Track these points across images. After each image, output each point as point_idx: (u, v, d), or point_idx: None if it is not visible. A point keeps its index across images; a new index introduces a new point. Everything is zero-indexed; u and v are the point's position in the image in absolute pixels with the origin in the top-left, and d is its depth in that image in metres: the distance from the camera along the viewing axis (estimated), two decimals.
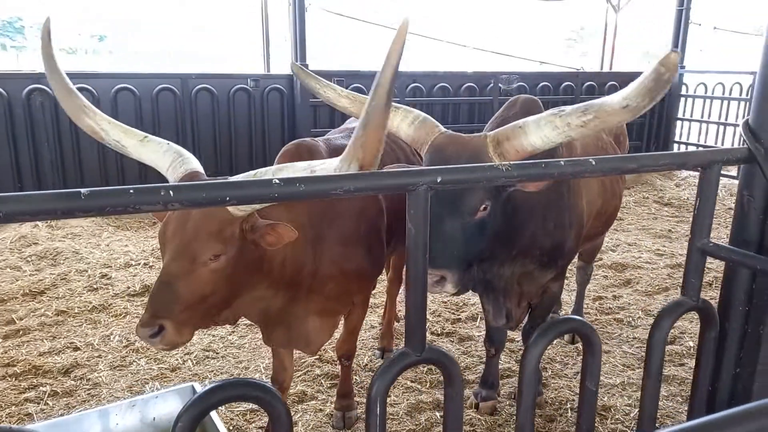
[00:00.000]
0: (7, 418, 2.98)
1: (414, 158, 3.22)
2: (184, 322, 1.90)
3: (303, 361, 3.58)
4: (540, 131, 1.93)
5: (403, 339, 1.52)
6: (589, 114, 1.78)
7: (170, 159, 1.93)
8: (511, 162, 1.45)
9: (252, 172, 1.86)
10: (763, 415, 0.74)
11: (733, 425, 0.73)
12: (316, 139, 2.71)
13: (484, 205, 2.19)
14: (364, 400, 1.52)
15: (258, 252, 2.02)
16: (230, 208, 1.87)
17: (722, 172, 7.70)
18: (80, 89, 6.14)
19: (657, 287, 4.89)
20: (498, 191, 2.23)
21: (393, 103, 2.32)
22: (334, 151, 2.56)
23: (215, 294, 1.97)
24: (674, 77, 1.62)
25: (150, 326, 1.84)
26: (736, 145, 6.96)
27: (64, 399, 3.19)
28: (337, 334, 3.08)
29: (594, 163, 1.54)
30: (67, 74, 6.49)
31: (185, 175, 1.93)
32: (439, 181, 1.37)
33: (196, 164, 1.98)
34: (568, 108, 1.86)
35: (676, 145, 9.50)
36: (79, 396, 3.22)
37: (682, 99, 9.33)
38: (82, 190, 1.06)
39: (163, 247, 1.92)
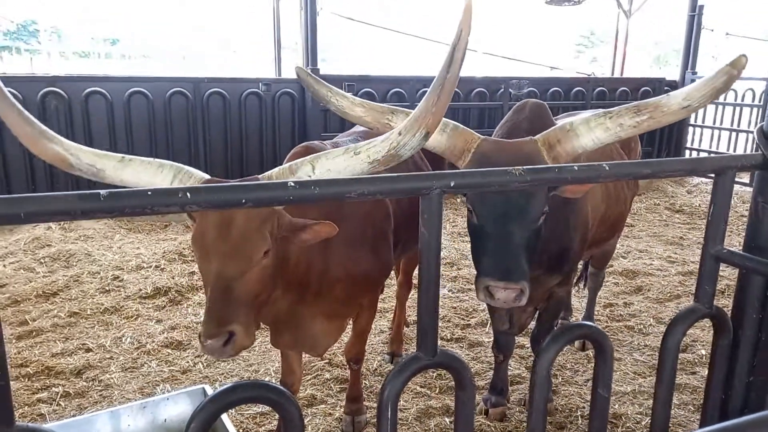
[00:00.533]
0: (20, 418, 3.00)
1: (422, 163, 3.22)
2: (249, 323, 1.90)
3: (313, 365, 3.59)
4: (591, 133, 1.93)
5: (413, 344, 1.52)
6: (644, 114, 1.79)
7: (171, 175, 1.79)
8: (525, 167, 1.46)
9: (286, 165, 1.80)
10: None
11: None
12: (324, 142, 2.73)
13: (545, 210, 2.15)
14: (374, 405, 1.53)
15: (282, 249, 2.04)
16: None
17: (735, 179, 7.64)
18: (94, 93, 6.23)
19: (668, 294, 4.86)
20: (548, 197, 2.18)
21: (406, 110, 2.31)
22: (335, 146, 2.57)
23: (264, 291, 1.99)
24: (736, 78, 1.66)
25: (220, 336, 1.79)
26: (748, 152, 6.91)
27: (76, 400, 3.21)
28: (346, 337, 3.08)
29: (608, 168, 1.54)
30: (80, 78, 6.50)
31: (203, 182, 1.87)
32: (452, 185, 1.37)
33: (203, 174, 1.90)
34: (617, 109, 1.87)
35: (687, 152, 9.45)
36: (90, 397, 3.25)
37: None
38: (102, 192, 1.07)
39: (206, 253, 1.85)
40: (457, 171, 1.43)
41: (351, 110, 2.27)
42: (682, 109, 1.71)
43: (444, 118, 2.19)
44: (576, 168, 1.52)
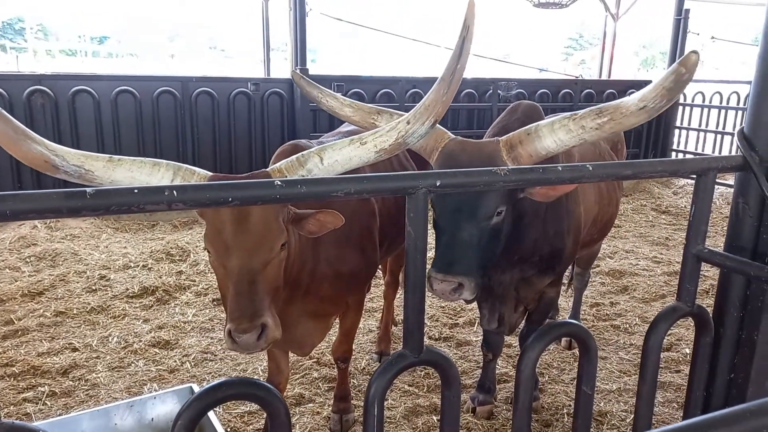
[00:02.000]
0: (5, 417, 2.97)
1: (407, 162, 3.24)
2: (274, 314, 1.90)
3: (301, 364, 3.59)
4: (554, 135, 1.94)
5: (401, 343, 1.54)
6: (604, 116, 1.81)
7: (170, 174, 1.72)
8: (510, 167, 1.47)
9: (294, 158, 1.78)
10: (753, 416, 0.76)
11: (724, 425, 0.75)
12: (311, 141, 2.74)
13: (499, 210, 2.19)
14: (362, 404, 1.55)
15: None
16: None
17: (719, 180, 7.73)
18: (81, 92, 6.18)
19: (654, 294, 4.91)
20: (510, 197, 2.23)
21: (396, 111, 2.40)
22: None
23: (281, 284, 2.00)
24: (690, 78, 1.66)
25: (254, 329, 1.78)
26: (733, 153, 6.99)
27: (63, 399, 3.19)
28: (334, 336, 3.09)
29: (591, 168, 1.57)
30: (67, 76, 6.48)
31: (208, 179, 1.82)
32: (438, 184, 1.39)
33: (205, 172, 1.85)
34: (582, 111, 1.88)
35: (674, 153, 9.55)
36: (77, 396, 3.23)
37: (680, 108, 9.39)
38: (88, 189, 1.08)
39: (225, 249, 1.83)
40: (441, 171, 1.44)
41: (340, 110, 2.40)
42: (640, 110, 1.73)
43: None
44: (560, 168, 1.54)
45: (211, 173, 1.81)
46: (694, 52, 1.61)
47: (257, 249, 1.83)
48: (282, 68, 8.29)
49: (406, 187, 1.37)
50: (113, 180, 1.64)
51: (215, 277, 2.05)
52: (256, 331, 1.79)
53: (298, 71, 2.59)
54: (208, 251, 1.91)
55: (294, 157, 1.78)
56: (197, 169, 1.78)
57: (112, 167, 1.62)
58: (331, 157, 1.71)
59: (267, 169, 1.86)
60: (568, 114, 1.93)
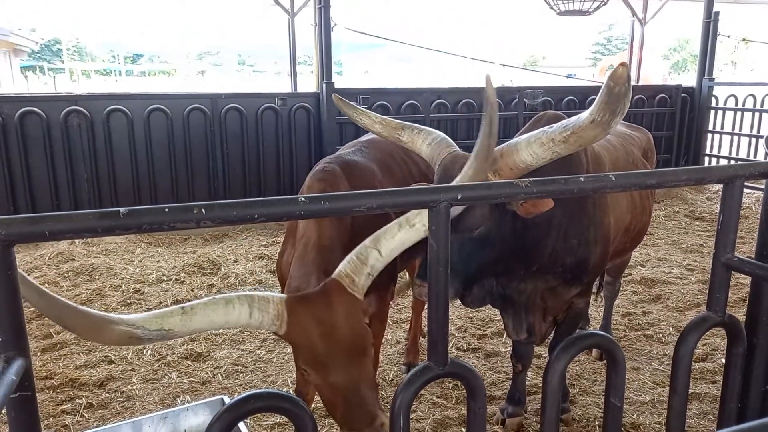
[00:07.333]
0: (45, 429, 3.08)
1: (429, 171, 3.28)
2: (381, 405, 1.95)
3: None
4: (530, 148, 2.02)
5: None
6: (568, 130, 1.90)
7: (246, 307, 1.66)
8: (531, 179, 1.48)
9: (353, 256, 1.81)
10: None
11: None
12: (330, 160, 2.75)
13: (481, 225, 2.25)
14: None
15: None
16: None
17: (757, 185, 7.52)
18: (115, 111, 6.38)
19: (688, 303, 4.80)
20: (499, 210, 2.28)
21: (417, 125, 2.55)
22: (346, 164, 2.70)
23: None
24: (626, 89, 1.70)
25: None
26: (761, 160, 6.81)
27: (99, 411, 3.28)
28: None
29: (614, 178, 1.56)
30: (102, 96, 6.65)
31: (286, 301, 1.81)
32: (459, 198, 1.41)
33: (280, 295, 1.80)
34: (555, 125, 1.96)
35: (707, 159, 9.34)
36: (113, 408, 3.31)
37: (713, 111, 9.19)
38: (121, 209, 1.13)
39: (325, 368, 1.83)
40: (463, 184, 1.46)
41: (372, 126, 2.64)
42: (592, 124, 1.80)
43: (430, 129, 2.49)
44: (582, 179, 1.54)
45: (285, 295, 1.80)
46: (623, 64, 1.69)
47: (357, 358, 1.84)
48: (309, 82, 8.41)
49: (428, 201, 1.39)
50: (194, 329, 1.59)
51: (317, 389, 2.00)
52: None
53: (338, 96, 2.93)
54: (305, 372, 1.89)
55: (353, 255, 1.80)
56: (270, 295, 1.76)
57: (189, 319, 1.57)
58: (388, 247, 1.76)
59: (334, 276, 1.84)
60: (545, 128, 2.00)
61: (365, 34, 8.42)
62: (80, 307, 1.44)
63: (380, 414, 1.82)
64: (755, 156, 9.05)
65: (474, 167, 1.80)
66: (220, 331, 4.22)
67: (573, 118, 1.89)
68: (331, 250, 2.30)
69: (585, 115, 1.83)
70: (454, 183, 1.89)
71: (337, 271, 1.84)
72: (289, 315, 1.74)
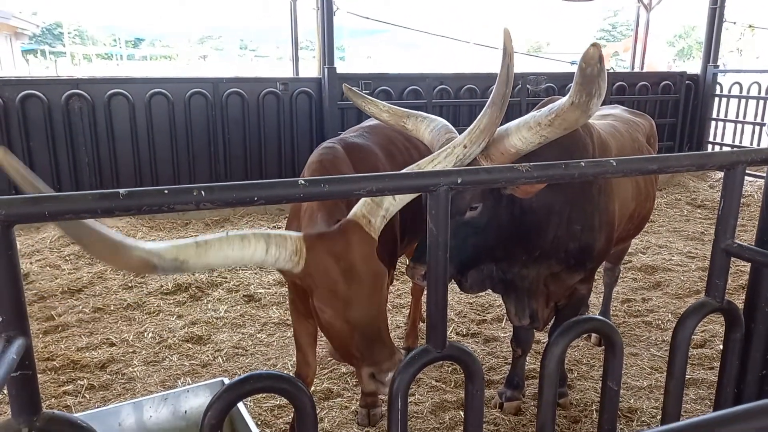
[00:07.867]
0: (47, 409, 3.10)
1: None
2: None
3: (329, 359, 3.64)
4: (519, 133, 2.04)
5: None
6: (552, 113, 1.90)
7: (263, 243, 1.63)
8: (531, 164, 1.48)
9: (369, 200, 1.86)
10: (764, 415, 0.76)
11: (734, 423, 0.75)
12: (332, 141, 2.75)
13: (473, 205, 2.25)
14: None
15: None
16: None
17: (759, 172, 7.46)
18: (116, 94, 6.36)
19: (687, 290, 4.81)
20: (489, 193, 2.28)
21: (421, 114, 2.56)
22: (348, 146, 2.71)
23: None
24: (599, 69, 1.70)
25: (395, 365, 1.82)
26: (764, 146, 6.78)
27: (101, 392, 3.31)
28: None
29: (615, 164, 1.56)
30: (103, 80, 6.60)
31: (303, 238, 1.87)
32: (459, 182, 1.41)
33: (297, 234, 1.83)
34: (543, 109, 1.97)
35: (710, 146, 9.30)
36: (114, 390, 3.34)
37: (716, 99, 9.13)
38: (121, 191, 1.13)
39: (345, 304, 1.90)
40: (462, 168, 1.46)
41: (379, 115, 2.65)
42: (572, 106, 1.81)
43: (434, 117, 2.51)
44: (583, 164, 1.54)
45: (302, 234, 1.80)
46: (594, 44, 1.66)
47: (375, 294, 1.90)
48: (311, 66, 8.37)
49: (428, 184, 1.39)
50: (208, 263, 1.56)
51: (327, 331, 2.01)
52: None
53: (347, 85, 2.92)
54: (320, 311, 1.91)
55: (368, 199, 1.85)
56: (287, 232, 1.75)
57: (204, 252, 1.53)
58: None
59: (350, 217, 1.89)
60: (533, 113, 2.02)
61: (368, 18, 8.35)
62: (99, 225, 1.36)
63: (397, 351, 1.88)
64: (758, 144, 9.01)
65: (488, 114, 1.82)
66: (221, 314, 4.25)
67: (557, 102, 1.90)
68: (339, 209, 2.31)
69: (566, 97, 1.85)
70: (466, 131, 1.92)
71: (353, 212, 1.89)
72: (308, 251, 1.76)
